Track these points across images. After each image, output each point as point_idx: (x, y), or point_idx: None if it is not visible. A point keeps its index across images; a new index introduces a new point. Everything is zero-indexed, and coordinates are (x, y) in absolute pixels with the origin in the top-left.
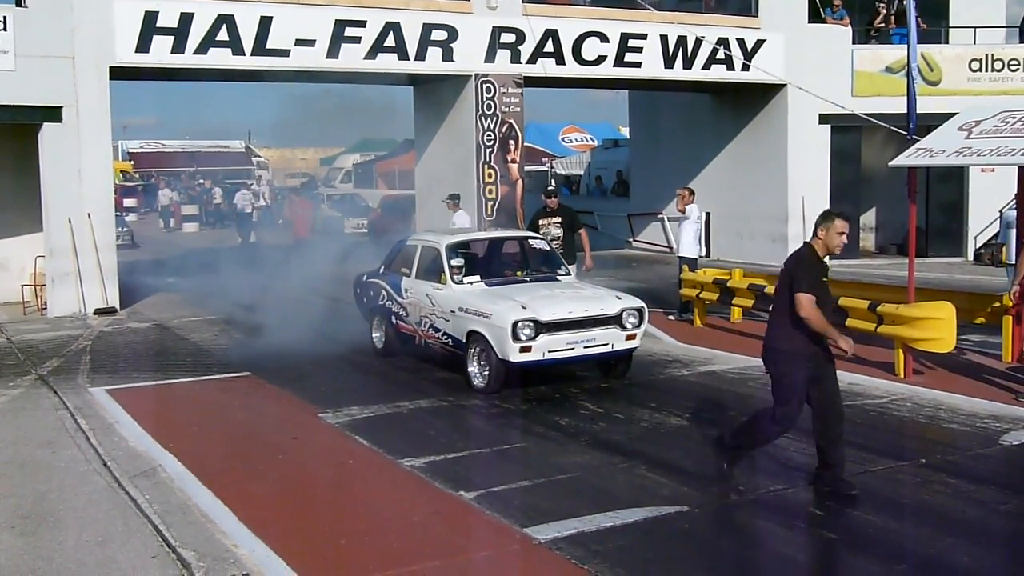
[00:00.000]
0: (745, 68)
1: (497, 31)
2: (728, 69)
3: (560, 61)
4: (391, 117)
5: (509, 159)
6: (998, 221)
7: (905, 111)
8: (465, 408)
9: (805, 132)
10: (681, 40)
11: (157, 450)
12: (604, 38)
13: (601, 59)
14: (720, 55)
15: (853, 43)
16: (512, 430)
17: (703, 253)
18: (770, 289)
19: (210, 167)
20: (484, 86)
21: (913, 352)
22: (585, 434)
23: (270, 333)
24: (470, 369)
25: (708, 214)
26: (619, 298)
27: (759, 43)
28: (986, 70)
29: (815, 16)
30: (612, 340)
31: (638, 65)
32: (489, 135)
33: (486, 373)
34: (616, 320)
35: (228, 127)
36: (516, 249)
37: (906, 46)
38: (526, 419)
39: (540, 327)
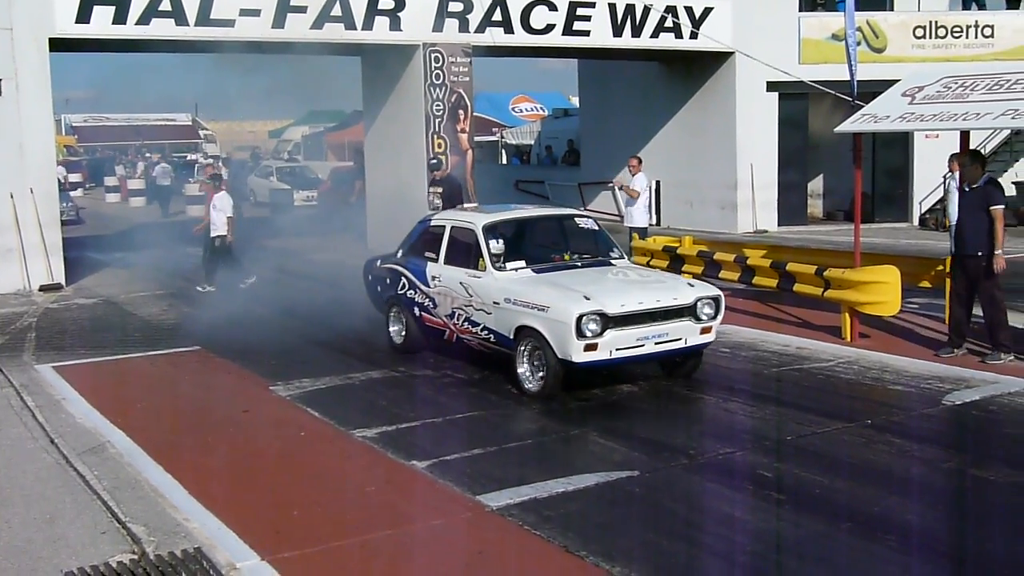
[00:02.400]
0: (693, 36)
1: (445, 0)
2: (676, 37)
3: (509, 30)
4: (338, 88)
5: (459, 129)
6: (942, 186)
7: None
8: (417, 378)
9: (753, 100)
10: (629, 8)
11: (106, 426)
12: (552, 6)
13: (550, 28)
14: (668, 23)
15: (800, 11)
16: (465, 400)
17: (653, 221)
18: (719, 255)
19: (156, 140)
20: (432, 56)
21: (859, 316)
22: (537, 402)
23: (219, 307)
24: (520, 370)
25: (658, 182)
26: (692, 285)
27: (707, 11)
28: (930, 37)
29: None
30: (686, 334)
31: (587, 34)
32: (438, 105)
33: (540, 375)
34: (691, 311)
35: (174, 100)
36: (561, 229)
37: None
38: (479, 388)
39: (607, 321)
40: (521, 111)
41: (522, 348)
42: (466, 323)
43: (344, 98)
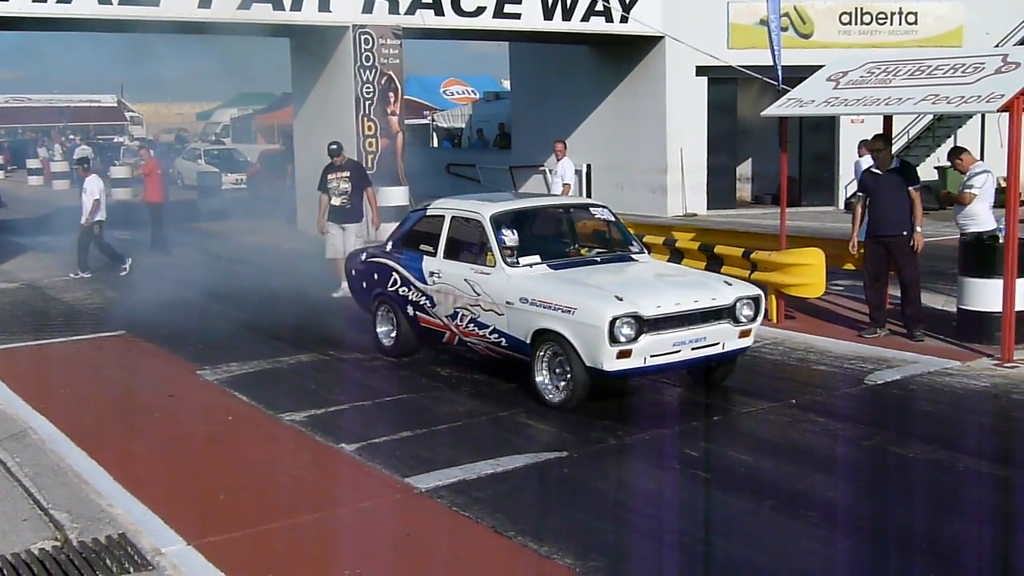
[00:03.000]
0: (624, 20)
1: None
2: (607, 21)
3: (439, 12)
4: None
5: (389, 112)
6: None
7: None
8: (347, 362)
9: (683, 84)
10: None
11: (28, 412)
12: None
13: (480, 10)
14: (599, 7)
15: None
16: (395, 382)
17: None
18: (648, 238)
19: (80, 122)
20: (362, 37)
21: (785, 297)
22: (467, 384)
23: (145, 291)
24: (538, 379)
25: (589, 165)
26: (729, 284)
27: None
28: (856, 23)
29: None
30: (724, 338)
31: (517, 17)
32: (368, 88)
33: (563, 384)
34: (729, 312)
35: (99, 81)
36: (574, 220)
37: None
38: (409, 371)
39: (642, 325)
40: (452, 94)
41: (541, 354)
42: (471, 325)
43: (273, 80)
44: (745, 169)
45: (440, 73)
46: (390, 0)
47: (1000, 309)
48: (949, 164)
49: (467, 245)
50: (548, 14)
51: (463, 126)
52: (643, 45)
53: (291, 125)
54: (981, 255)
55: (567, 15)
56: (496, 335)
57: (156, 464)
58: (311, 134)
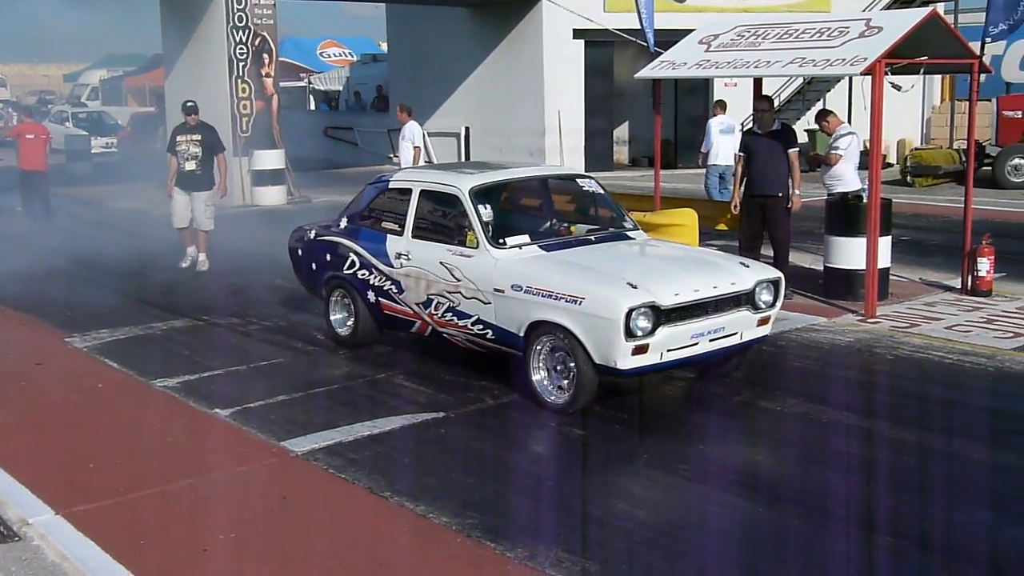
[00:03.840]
0: None
1: None
2: None
3: None
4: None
5: (263, 73)
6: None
7: (654, 27)
8: (222, 327)
9: (560, 47)
10: None
11: None
12: None
13: None
14: None
15: None
16: (271, 346)
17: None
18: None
19: None
20: None
21: None
22: (345, 347)
23: (11, 258)
24: (535, 378)
25: (467, 128)
26: (747, 265)
27: None
28: None
29: None
30: (742, 327)
31: None
32: (242, 49)
33: (565, 383)
34: (749, 298)
35: None
36: (561, 194)
37: None
38: (285, 335)
39: (659, 315)
40: (329, 56)
41: (538, 348)
42: (450, 314)
43: (143, 40)
44: (622, 132)
45: (317, 35)
46: None
47: (864, 267)
48: (817, 127)
49: (441, 223)
50: None
51: (340, 89)
52: (520, 7)
53: (163, 87)
54: (846, 215)
55: None
56: (480, 326)
57: (22, 434)
58: (183, 96)
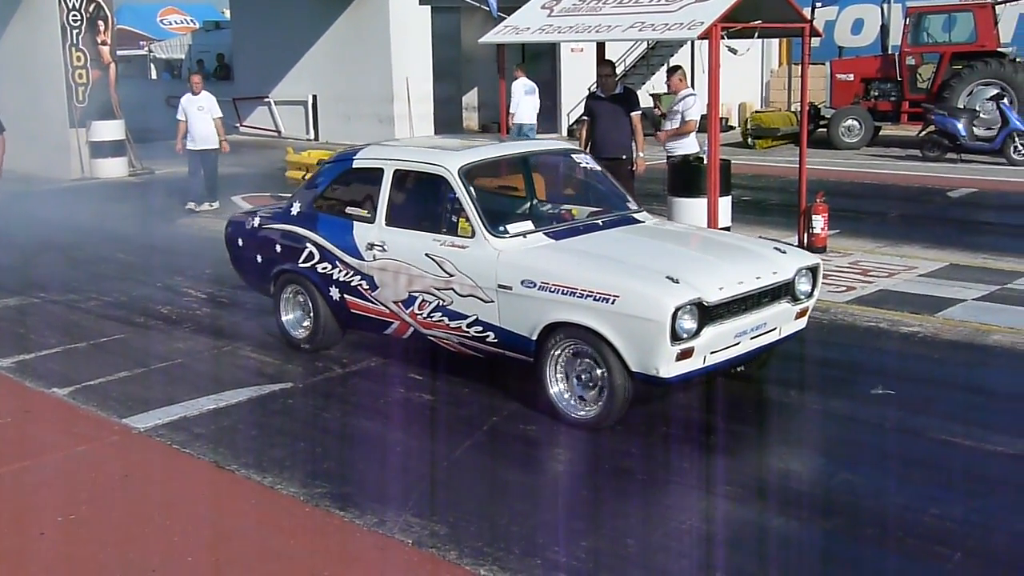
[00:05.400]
0: None
1: None
2: None
3: None
4: None
5: (99, 41)
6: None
7: None
8: (59, 304)
9: (407, 13)
10: None
11: None
12: None
13: None
14: None
15: None
16: (109, 322)
17: (311, 136)
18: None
19: None
20: None
21: None
22: (188, 321)
23: None
24: (553, 391)
25: (315, 96)
26: (783, 251)
27: None
28: None
29: None
30: (781, 322)
31: None
32: (75, 15)
33: (592, 395)
34: (788, 289)
35: None
36: (552, 171)
37: None
38: (125, 310)
39: (705, 314)
40: (170, 23)
41: (556, 354)
42: (439, 314)
43: None
44: (471, 98)
45: (157, 2)
46: None
47: (706, 226)
48: (666, 88)
49: (423, 208)
50: None
51: (183, 57)
52: None
53: None
54: (688, 176)
55: None
56: (479, 328)
57: None
58: (11, 66)
